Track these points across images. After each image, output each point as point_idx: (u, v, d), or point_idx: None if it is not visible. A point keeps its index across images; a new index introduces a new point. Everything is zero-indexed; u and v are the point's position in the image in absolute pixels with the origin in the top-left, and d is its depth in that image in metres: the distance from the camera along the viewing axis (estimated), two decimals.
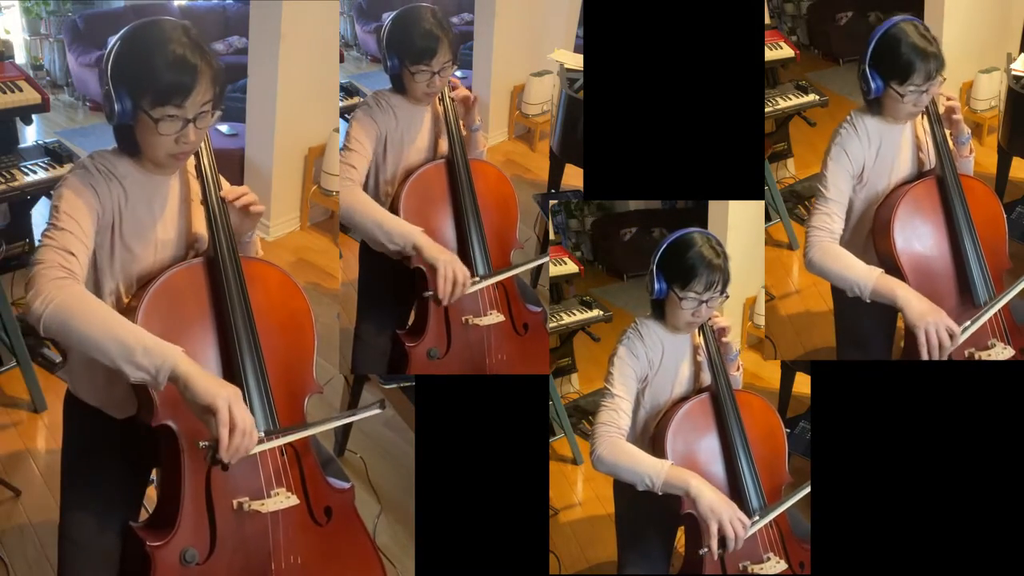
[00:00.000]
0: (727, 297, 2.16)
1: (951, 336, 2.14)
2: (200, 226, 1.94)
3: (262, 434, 1.80)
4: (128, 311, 1.81)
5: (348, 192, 2.38)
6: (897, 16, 2.22)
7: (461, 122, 2.50)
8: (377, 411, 2.00)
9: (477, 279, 2.39)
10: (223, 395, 1.67)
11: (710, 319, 2.21)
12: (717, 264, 2.12)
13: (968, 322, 2.18)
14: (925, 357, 2.14)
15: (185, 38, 1.77)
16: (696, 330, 2.22)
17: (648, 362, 2.18)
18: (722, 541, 2.04)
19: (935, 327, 2.12)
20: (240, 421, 1.68)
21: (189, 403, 1.69)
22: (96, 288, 1.85)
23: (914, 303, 2.15)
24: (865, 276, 2.20)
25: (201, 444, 1.71)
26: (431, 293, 2.31)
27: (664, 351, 2.19)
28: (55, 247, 1.73)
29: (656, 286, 2.16)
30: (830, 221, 2.26)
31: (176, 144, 1.80)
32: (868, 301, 2.21)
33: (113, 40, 1.80)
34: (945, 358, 2.16)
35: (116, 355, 1.66)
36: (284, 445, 1.91)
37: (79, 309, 1.67)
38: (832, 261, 2.23)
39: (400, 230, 2.34)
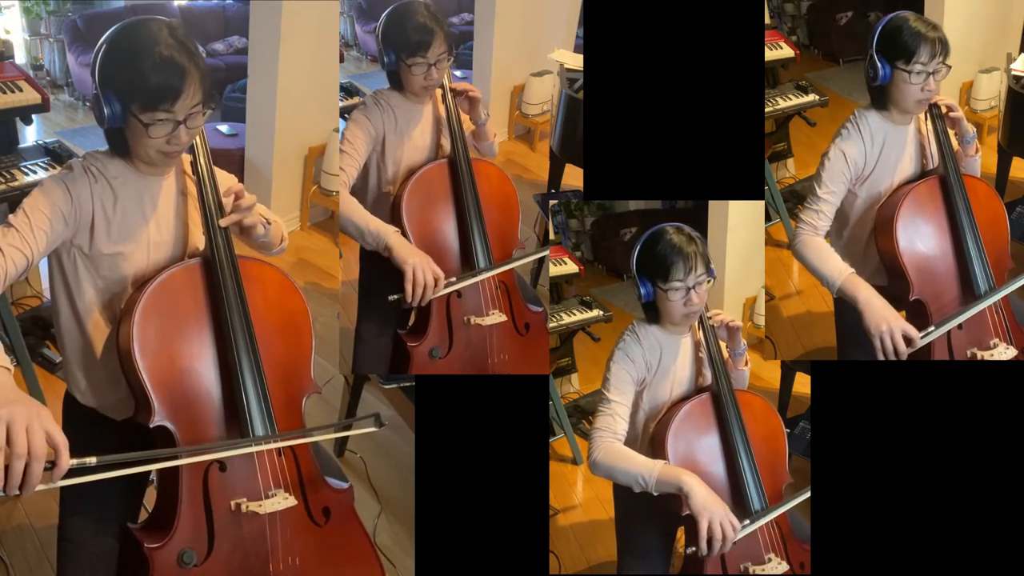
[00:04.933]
0: (714, 279, 2.16)
1: (908, 342, 2.15)
2: (197, 227, 1.93)
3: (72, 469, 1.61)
4: (125, 311, 1.82)
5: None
6: (900, 10, 2.25)
7: (467, 118, 2.51)
8: (373, 428, 2.01)
9: (452, 280, 2.36)
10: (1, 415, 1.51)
11: (715, 317, 2.21)
12: (691, 249, 2.12)
13: (930, 329, 2.18)
14: (881, 358, 2.17)
15: (171, 39, 1.74)
16: (696, 325, 2.21)
17: (646, 364, 2.17)
18: (710, 541, 2.00)
19: (889, 335, 2.15)
20: (20, 447, 1.51)
21: None
22: (66, 289, 1.85)
23: (875, 308, 2.17)
24: (836, 273, 2.23)
25: None
26: (396, 297, 2.29)
27: (663, 352, 2.19)
28: None
29: (642, 290, 2.16)
30: (817, 218, 2.28)
31: (168, 144, 1.79)
32: (835, 296, 2.25)
33: (99, 42, 1.78)
34: (904, 358, 2.17)
35: None
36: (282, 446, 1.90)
37: None
38: (810, 253, 2.27)
39: (373, 229, 2.34)
